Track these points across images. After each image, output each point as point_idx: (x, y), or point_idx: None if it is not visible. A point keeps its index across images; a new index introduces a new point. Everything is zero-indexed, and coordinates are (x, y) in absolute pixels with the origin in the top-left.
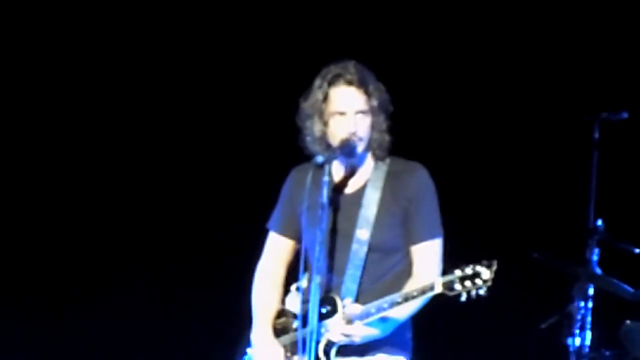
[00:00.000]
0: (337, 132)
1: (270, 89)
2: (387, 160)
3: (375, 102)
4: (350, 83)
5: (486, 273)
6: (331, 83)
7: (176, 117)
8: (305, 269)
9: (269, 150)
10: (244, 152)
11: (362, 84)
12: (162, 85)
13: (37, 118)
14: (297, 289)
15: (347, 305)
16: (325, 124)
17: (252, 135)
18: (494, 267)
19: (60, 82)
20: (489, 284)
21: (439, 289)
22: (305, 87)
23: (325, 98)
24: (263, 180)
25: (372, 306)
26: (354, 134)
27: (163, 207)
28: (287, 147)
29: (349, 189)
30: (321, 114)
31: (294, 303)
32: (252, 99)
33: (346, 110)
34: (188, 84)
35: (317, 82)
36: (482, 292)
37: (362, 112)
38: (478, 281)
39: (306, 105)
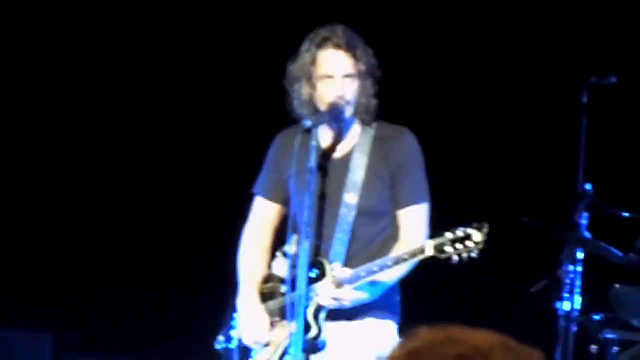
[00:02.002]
0: (325, 96)
1: (257, 53)
2: (374, 125)
3: (363, 67)
4: (338, 47)
5: (478, 235)
6: (319, 46)
7: (165, 84)
8: (293, 234)
9: (253, 117)
10: (229, 118)
11: (350, 48)
12: (152, 62)
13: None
14: (285, 254)
15: (336, 269)
16: (313, 87)
17: (236, 102)
18: (486, 230)
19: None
20: (481, 246)
21: (430, 252)
22: (292, 52)
23: (314, 61)
24: (247, 146)
25: (362, 270)
26: (341, 97)
27: (151, 170)
28: (270, 114)
29: (337, 154)
30: (309, 78)
31: (281, 268)
32: (237, 64)
33: (334, 74)
34: (179, 54)
35: (305, 45)
36: (474, 254)
37: (350, 75)
38: (469, 244)
39: (294, 69)
